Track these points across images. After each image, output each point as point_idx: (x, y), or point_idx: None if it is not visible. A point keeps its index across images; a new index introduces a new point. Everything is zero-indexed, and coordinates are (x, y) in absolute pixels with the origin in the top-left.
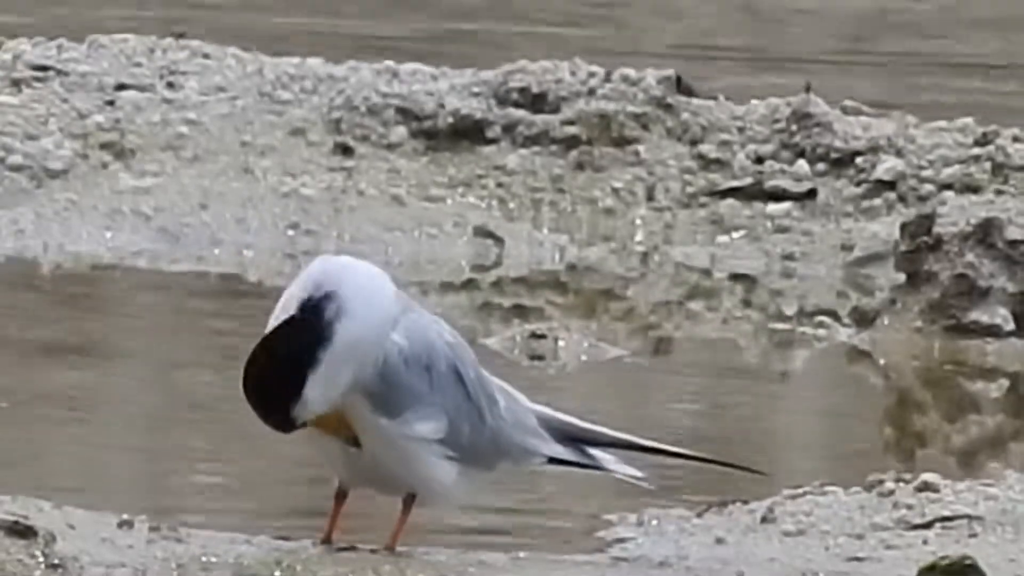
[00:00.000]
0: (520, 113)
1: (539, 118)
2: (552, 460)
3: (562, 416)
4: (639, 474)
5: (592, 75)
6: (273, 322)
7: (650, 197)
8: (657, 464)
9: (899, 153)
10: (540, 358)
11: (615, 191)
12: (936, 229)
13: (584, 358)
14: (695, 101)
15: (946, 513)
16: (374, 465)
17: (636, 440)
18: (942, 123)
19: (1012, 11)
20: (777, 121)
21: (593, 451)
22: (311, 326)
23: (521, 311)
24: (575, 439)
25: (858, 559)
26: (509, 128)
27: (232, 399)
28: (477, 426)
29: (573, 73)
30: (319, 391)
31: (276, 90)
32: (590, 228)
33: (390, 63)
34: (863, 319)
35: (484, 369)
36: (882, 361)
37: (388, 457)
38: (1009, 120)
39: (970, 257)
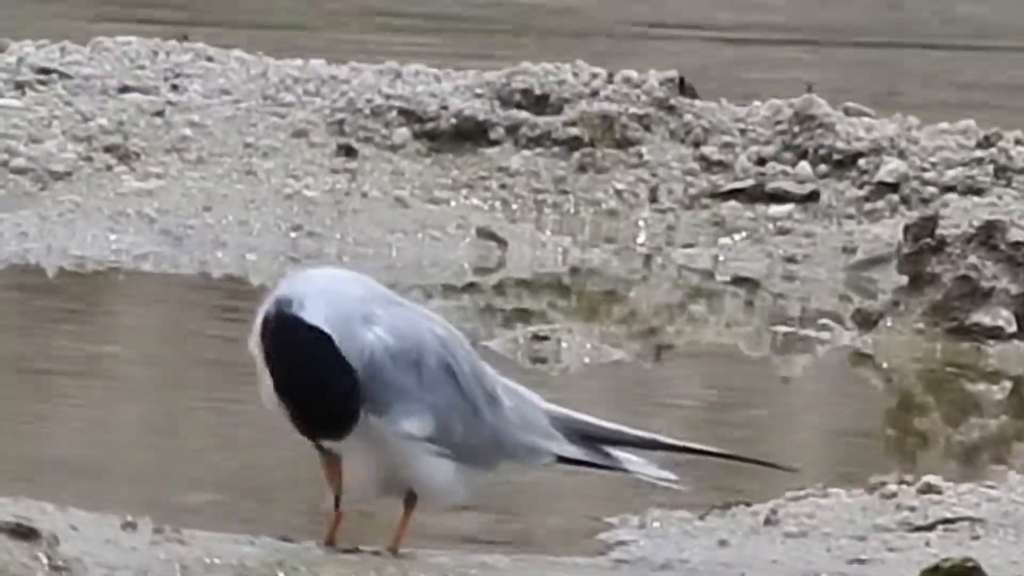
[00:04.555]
0: (523, 114)
1: (542, 119)
2: (564, 460)
3: (582, 417)
4: (671, 476)
5: (595, 76)
6: (254, 344)
7: (653, 199)
8: (658, 464)
9: (902, 155)
10: (542, 360)
11: (618, 193)
12: (939, 231)
13: (586, 360)
14: (697, 103)
15: (948, 515)
16: (370, 464)
17: (661, 439)
18: (944, 125)
19: (1012, 15)
20: (779, 123)
21: (616, 452)
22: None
23: (524, 313)
24: (595, 440)
25: (860, 561)
26: (512, 130)
27: (233, 399)
28: (472, 423)
29: (576, 74)
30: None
31: (279, 92)
32: (593, 230)
33: (393, 64)
34: (865, 321)
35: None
36: (884, 363)
37: (381, 455)
38: (1012, 122)
39: (973, 259)
